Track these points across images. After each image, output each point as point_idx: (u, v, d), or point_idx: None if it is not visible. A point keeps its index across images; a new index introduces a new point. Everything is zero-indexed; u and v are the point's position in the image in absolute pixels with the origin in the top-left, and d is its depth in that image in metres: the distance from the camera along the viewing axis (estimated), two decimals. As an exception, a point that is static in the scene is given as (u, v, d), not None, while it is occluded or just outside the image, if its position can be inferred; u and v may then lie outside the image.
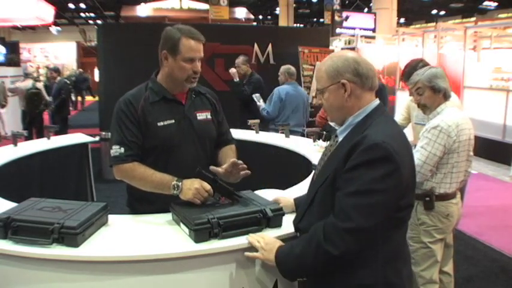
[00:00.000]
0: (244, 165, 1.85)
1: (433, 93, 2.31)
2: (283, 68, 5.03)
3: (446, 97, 2.33)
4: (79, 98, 16.00)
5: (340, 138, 1.44)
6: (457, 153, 2.26)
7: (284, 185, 2.25)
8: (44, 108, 7.44)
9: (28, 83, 7.53)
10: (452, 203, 2.34)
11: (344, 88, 1.38)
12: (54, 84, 7.75)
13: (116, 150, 1.83)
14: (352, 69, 1.38)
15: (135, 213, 1.95)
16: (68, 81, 8.80)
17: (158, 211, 1.84)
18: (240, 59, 5.30)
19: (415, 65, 3.00)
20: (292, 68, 5.03)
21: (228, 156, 2.04)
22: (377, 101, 1.42)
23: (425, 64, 3.09)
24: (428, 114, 2.39)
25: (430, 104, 2.34)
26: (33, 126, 7.44)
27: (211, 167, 1.85)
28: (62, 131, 6.08)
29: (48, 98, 7.51)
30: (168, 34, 1.86)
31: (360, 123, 1.39)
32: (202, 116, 1.99)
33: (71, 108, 9.85)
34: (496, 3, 22.06)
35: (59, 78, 8.63)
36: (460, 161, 2.29)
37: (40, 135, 6.85)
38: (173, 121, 1.90)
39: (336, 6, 15.70)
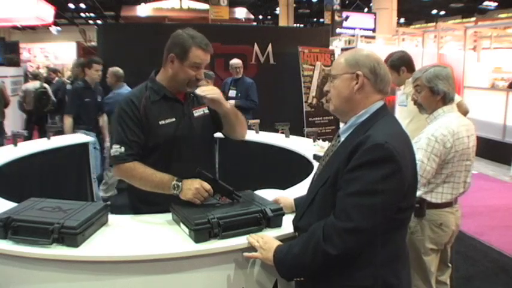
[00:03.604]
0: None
1: (431, 95, 2.18)
2: (111, 70, 4.94)
3: (445, 101, 2.19)
4: None
5: (342, 138, 1.44)
6: (451, 163, 2.14)
7: (284, 185, 2.25)
8: (51, 107, 7.48)
9: (36, 83, 7.56)
10: (446, 212, 2.20)
11: (357, 80, 1.38)
12: (51, 85, 7.75)
13: (117, 149, 1.84)
14: (371, 66, 1.39)
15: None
16: (68, 81, 8.80)
17: (161, 212, 1.84)
18: (72, 61, 5.31)
19: (388, 57, 3.08)
20: (121, 71, 4.95)
21: None
22: (381, 102, 1.42)
23: (403, 54, 3.14)
24: (423, 114, 2.29)
25: (426, 105, 2.23)
26: (37, 126, 7.47)
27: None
28: (59, 131, 6.09)
29: (53, 98, 7.54)
30: (179, 39, 1.86)
31: (362, 124, 1.39)
32: (200, 112, 2.01)
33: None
34: (496, 3, 22.05)
35: (57, 78, 8.63)
36: (455, 171, 2.16)
37: (43, 134, 6.88)
38: (174, 119, 1.91)
39: (336, 6, 15.70)
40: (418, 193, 2.16)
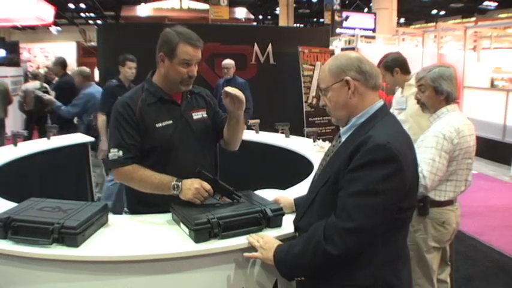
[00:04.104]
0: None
1: (435, 94, 2.21)
2: (76, 70, 5.06)
3: (448, 100, 2.22)
4: None
5: (343, 139, 1.44)
6: (456, 161, 2.16)
7: (284, 185, 2.25)
8: (51, 108, 7.46)
9: (36, 83, 7.55)
10: (448, 210, 2.23)
11: (348, 85, 1.38)
12: (51, 85, 7.75)
13: (115, 153, 1.83)
14: (355, 67, 1.38)
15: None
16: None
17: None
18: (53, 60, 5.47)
19: (382, 59, 3.10)
20: (87, 70, 5.01)
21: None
22: (381, 102, 1.42)
23: (398, 55, 3.14)
24: (427, 113, 2.32)
25: (430, 105, 2.25)
26: (37, 126, 7.45)
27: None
28: (60, 131, 6.11)
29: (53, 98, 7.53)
30: (166, 37, 1.85)
31: (363, 124, 1.39)
32: (198, 115, 1.99)
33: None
34: (496, 3, 22.07)
35: (56, 78, 8.62)
36: (458, 169, 2.18)
37: (43, 134, 6.89)
38: (171, 122, 1.90)
39: (336, 6, 15.71)
40: (422, 190, 2.15)
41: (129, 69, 4.39)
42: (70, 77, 5.60)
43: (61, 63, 5.65)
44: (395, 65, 3.11)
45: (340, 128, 1.48)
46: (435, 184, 2.14)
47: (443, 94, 2.20)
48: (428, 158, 2.10)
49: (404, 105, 3.13)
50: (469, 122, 2.26)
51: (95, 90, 4.86)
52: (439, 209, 2.22)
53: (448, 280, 2.49)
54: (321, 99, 1.48)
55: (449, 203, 2.24)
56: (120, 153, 1.83)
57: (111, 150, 1.85)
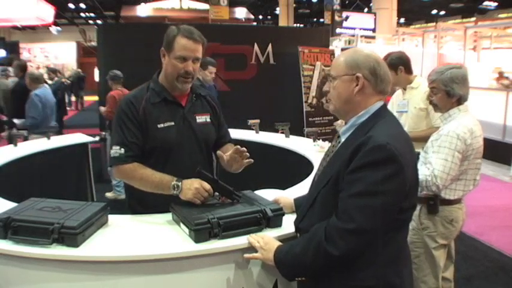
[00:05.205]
0: (247, 154, 1.86)
1: (447, 97, 2.23)
2: (27, 73, 5.11)
3: (460, 102, 2.25)
4: (73, 99, 15.75)
5: (342, 139, 1.43)
6: (468, 161, 2.18)
7: (284, 185, 2.25)
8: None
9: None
10: (457, 208, 2.27)
11: (357, 82, 1.38)
12: (50, 85, 7.76)
13: (116, 150, 1.83)
14: (370, 67, 1.37)
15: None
16: (68, 81, 8.79)
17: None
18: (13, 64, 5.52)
19: (386, 57, 3.08)
20: (37, 72, 5.10)
21: (228, 150, 2.03)
22: (381, 102, 1.42)
23: (402, 54, 3.14)
24: (439, 112, 2.35)
25: (441, 106, 2.28)
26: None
27: (218, 152, 1.88)
28: (58, 131, 6.09)
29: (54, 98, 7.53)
30: (167, 32, 1.87)
31: (363, 124, 1.38)
32: (202, 119, 1.99)
33: (68, 109, 9.86)
34: (496, 3, 22.07)
35: (56, 78, 8.62)
36: (469, 168, 2.21)
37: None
38: (173, 123, 1.90)
39: (336, 6, 15.72)
40: (435, 190, 2.17)
41: (209, 74, 4.38)
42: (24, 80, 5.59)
43: (20, 66, 5.68)
44: (400, 63, 3.09)
45: (338, 125, 1.48)
46: (447, 184, 2.16)
47: (455, 97, 2.23)
48: (441, 158, 2.12)
49: (406, 108, 3.12)
50: (478, 123, 2.28)
51: (45, 91, 4.90)
52: (448, 207, 2.25)
53: (452, 278, 2.51)
54: (326, 84, 1.47)
55: (458, 201, 2.27)
56: (122, 150, 1.82)
57: (113, 147, 1.84)
